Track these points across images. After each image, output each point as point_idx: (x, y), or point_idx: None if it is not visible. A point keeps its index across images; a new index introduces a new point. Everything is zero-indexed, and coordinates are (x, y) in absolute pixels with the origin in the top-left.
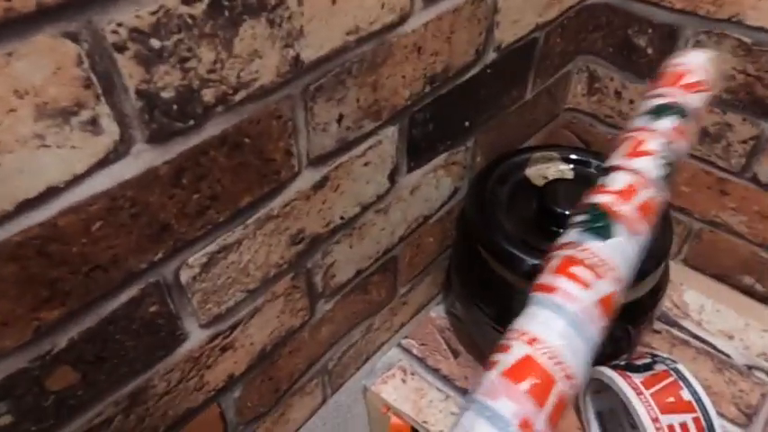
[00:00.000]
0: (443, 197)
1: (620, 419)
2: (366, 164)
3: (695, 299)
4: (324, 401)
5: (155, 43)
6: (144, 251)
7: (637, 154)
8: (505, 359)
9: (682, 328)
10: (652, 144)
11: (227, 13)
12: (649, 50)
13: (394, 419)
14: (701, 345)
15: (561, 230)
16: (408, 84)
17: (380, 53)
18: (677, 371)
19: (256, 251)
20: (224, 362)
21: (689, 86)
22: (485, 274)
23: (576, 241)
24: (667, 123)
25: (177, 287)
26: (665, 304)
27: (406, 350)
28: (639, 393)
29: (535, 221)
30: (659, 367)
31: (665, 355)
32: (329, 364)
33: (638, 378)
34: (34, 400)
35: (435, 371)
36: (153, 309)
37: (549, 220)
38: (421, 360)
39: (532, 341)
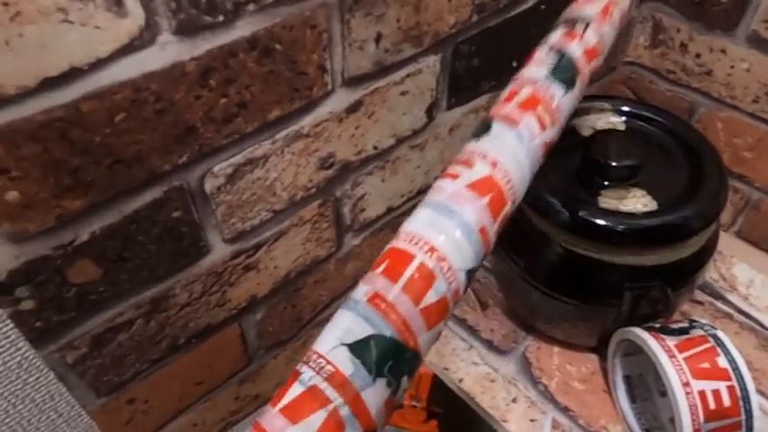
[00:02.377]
0: None
1: (649, 385)
2: (403, 93)
3: (745, 273)
4: None
5: None
6: (168, 151)
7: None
8: (470, 175)
9: (726, 302)
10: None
11: None
12: None
13: None
14: (746, 320)
15: (605, 182)
16: (454, 9)
17: None
18: (716, 337)
19: (284, 169)
20: (247, 281)
21: None
22: (521, 226)
23: (545, 84)
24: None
25: (201, 195)
26: (711, 275)
27: None
28: (672, 356)
29: (579, 173)
30: (696, 332)
31: (703, 321)
32: None
33: (671, 341)
34: (56, 290)
35: (461, 321)
36: (176, 214)
37: (594, 172)
38: None
39: (495, 163)
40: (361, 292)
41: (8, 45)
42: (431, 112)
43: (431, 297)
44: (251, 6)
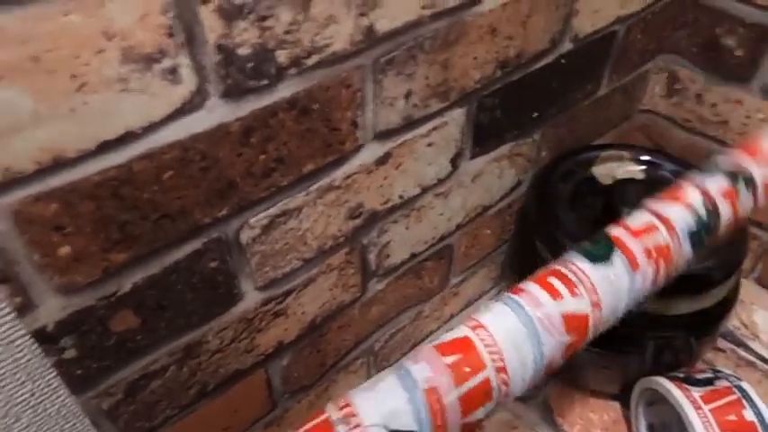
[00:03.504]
0: (505, 188)
1: None
2: (430, 144)
3: (766, 320)
4: None
5: None
6: (210, 206)
7: (671, 200)
8: (444, 336)
9: (748, 349)
10: (691, 196)
11: None
12: (739, 52)
13: None
14: None
15: None
16: (479, 66)
17: (454, 31)
18: (741, 388)
19: (315, 220)
20: (275, 327)
21: (761, 156)
22: None
23: (568, 258)
24: (718, 183)
25: (237, 246)
26: (733, 323)
27: None
28: (698, 408)
29: (599, 221)
30: (721, 383)
31: (728, 371)
32: (376, 345)
33: (697, 392)
34: (98, 339)
35: None
36: (213, 264)
37: (612, 220)
38: None
39: (477, 327)
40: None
41: (73, 112)
42: (455, 161)
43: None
44: (292, 70)
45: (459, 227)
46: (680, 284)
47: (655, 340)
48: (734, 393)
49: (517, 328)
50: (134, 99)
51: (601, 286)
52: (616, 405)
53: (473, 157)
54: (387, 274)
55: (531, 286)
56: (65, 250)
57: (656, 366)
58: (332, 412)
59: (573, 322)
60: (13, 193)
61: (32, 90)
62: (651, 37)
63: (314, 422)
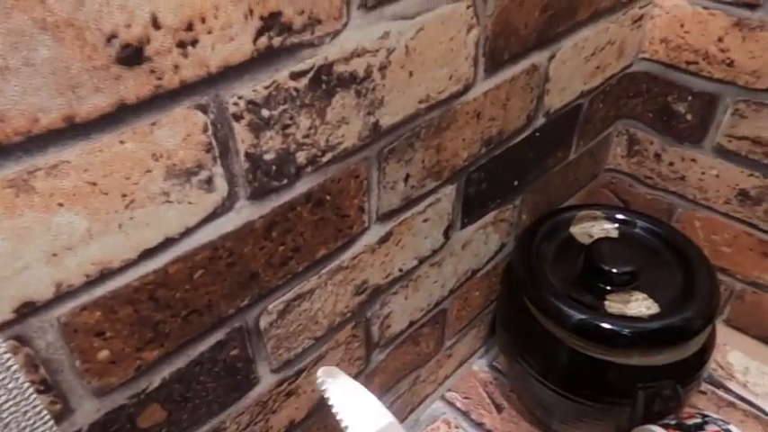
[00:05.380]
0: (491, 252)
1: None
2: (425, 220)
3: (739, 360)
4: None
5: (265, 113)
6: (234, 297)
7: None
8: None
9: (727, 390)
10: None
11: (324, 86)
12: (689, 116)
13: None
14: (748, 407)
15: (608, 287)
16: (467, 146)
17: (445, 119)
18: None
19: (326, 300)
20: (287, 407)
21: None
22: (531, 328)
23: None
24: None
25: (256, 332)
26: (710, 365)
27: (450, 403)
28: None
29: (581, 278)
30: (711, 428)
31: (716, 416)
32: None
33: None
34: None
35: (479, 425)
36: (234, 352)
37: (595, 277)
38: (465, 414)
39: None
40: None
41: (121, 228)
42: (447, 232)
43: None
44: (309, 168)
45: (451, 292)
46: (664, 336)
47: (645, 390)
48: None
49: None
50: (174, 209)
51: None
52: None
53: (463, 227)
54: (388, 344)
55: None
56: (104, 354)
57: (647, 415)
58: None
59: None
60: (63, 306)
61: (88, 212)
62: (611, 106)
63: None
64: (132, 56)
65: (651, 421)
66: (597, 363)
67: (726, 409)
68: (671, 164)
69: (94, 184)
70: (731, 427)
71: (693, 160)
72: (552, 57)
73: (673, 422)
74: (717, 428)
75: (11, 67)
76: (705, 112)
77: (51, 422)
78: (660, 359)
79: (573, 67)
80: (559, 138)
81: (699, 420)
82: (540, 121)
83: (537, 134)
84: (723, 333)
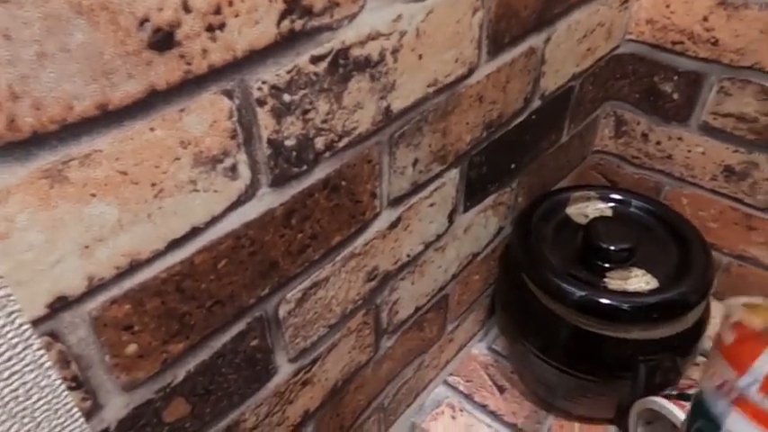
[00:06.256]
0: (490, 235)
1: None
2: (431, 204)
3: None
4: None
5: (286, 98)
6: (255, 287)
7: None
8: None
9: None
10: None
11: (341, 70)
12: (675, 96)
13: None
14: None
15: (606, 265)
16: (470, 130)
17: (451, 102)
18: None
19: (339, 287)
20: (303, 396)
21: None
22: (531, 308)
23: None
24: None
25: (275, 321)
26: None
27: (453, 387)
28: None
29: (580, 257)
30: None
31: None
32: (385, 401)
33: None
34: (152, 431)
35: (483, 407)
36: (254, 343)
37: (594, 256)
38: (468, 396)
39: None
40: None
41: (149, 217)
42: (451, 216)
43: None
44: (327, 154)
45: (453, 276)
46: (663, 310)
47: (645, 363)
48: None
49: None
50: (200, 198)
51: None
52: (612, 429)
53: (465, 210)
54: (395, 330)
55: None
56: (132, 348)
57: (648, 388)
58: None
59: None
60: (95, 300)
61: (118, 202)
62: (599, 88)
63: None
64: (163, 40)
65: (652, 393)
66: (599, 338)
67: None
68: (658, 143)
69: (125, 173)
70: None
71: (680, 139)
72: (548, 39)
73: (674, 393)
74: None
75: (47, 53)
76: (691, 91)
77: (82, 419)
78: (660, 332)
79: (566, 49)
80: (553, 120)
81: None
82: (536, 103)
83: (533, 117)
84: (712, 306)
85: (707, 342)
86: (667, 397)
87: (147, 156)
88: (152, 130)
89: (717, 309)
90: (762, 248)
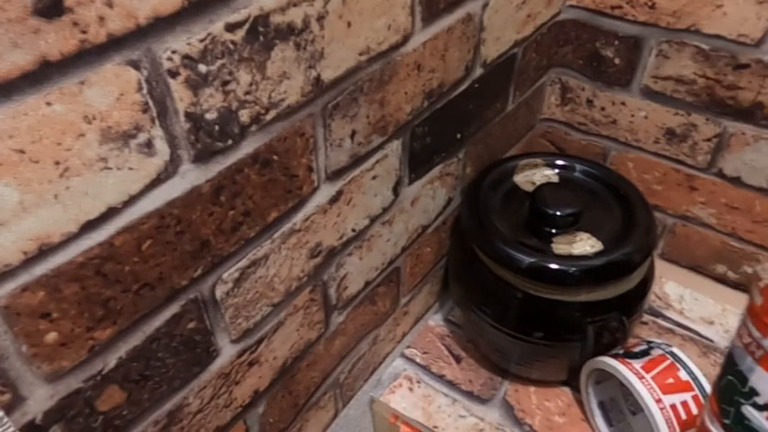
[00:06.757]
0: (439, 207)
1: (621, 407)
2: (374, 177)
3: (674, 290)
4: (336, 415)
5: (202, 68)
6: (186, 268)
7: None
8: None
9: (666, 318)
10: None
11: (261, 38)
12: (617, 60)
13: (403, 428)
14: (685, 332)
15: (553, 230)
16: (410, 99)
17: (387, 71)
18: (673, 354)
19: (281, 265)
20: (251, 377)
21: None
22: (483, 277)
23: None
24: None
25: (213, 303)
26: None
27: (410, 359)
28: (641, 378)
29: (528, 224)
30: (656, 352)
31: (659, 341)
32: (341, 376)
33: (637, 364)
34: (85, 422)
35: (440, 377)
36: (191, 325)
37: (541, 222)
38: (425, 368)
39: None
40: None
41: (57, 198)
42: (396, 189)
43: None
44: (253, 127)
45: (403, 249)
46: (608, 271)
47: (593, 324)
48: (667, 359)
49: None
50: (114, 176)
51: None
52: (566, 390)
53: (410, 182)
54: (346, 306)
55: None
56: (52, 337)
57: (597, 348)
58: None
59: None
60: (2, 288)
61: (18, 182)
62: (543, 54)
63: None
64: (51, 6)
65: (601, 353)
66: (548, 303)
67: (665, 335)
68: (602, 109)
69: (22, 151)
70: (674, 349)
71: (623, 103)
72: (486, 5)
73: (621, 352)
74: (661, 351)
75: None
76: (631, 56)
77: (1, 413)
78: (606, 293)
79: (506, 15)
80: (497, 89)
81: (645, 347)
82: (478, 71)
83: (476, 85)
84: (658, 266)
85: (652, 300)
86: (615, 356)
87: (45, 132)
88: (48, 104)
89: (661, 268)
90: (703, 208)
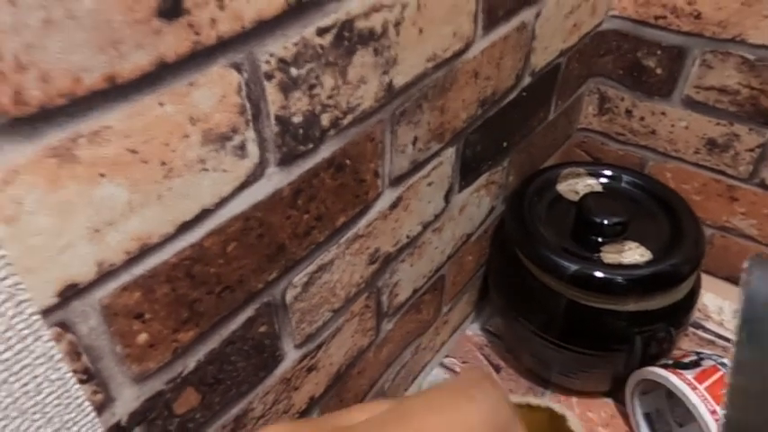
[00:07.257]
0: (483, 215)
1: (667, 418)
2: (429, 184)
3: (713, 301)
4: None
5: (293, 72)
6: (263, 271)
7: None
8: None
9: (706, 330)
10: None
11: (345, 43)
12: (658, 70)
13: None
14: (726, 343)
15: (600, 239)
16: (466, 107)
17: (449, 78)
18: (725, 365)
19: (344, 270)
20: (308, 383)
21: None
22: (527, 285)
23: None
24: None
25: (283, 307)
26: None
27: (450, 369)
28: (694, 388)
29: (574, 232)
30: (707, 363)
31: (709, 352)
32: (385, 385)
33: (689, 374)
34: (162, 424)
35: None
36: (262, 329)
37: (588, 231)
38: None
39: None
40: None
41: (159, 199)
42: (448, 196)
43: None
44: (332, 131)
45: (449, 257)
46: (657, 282)
47: (641, 335)
48: (720, 370)
49: None
50: (209, 178)
51: None
52: (609, 401)
53: (460, 190)
54: (395, 313)
55: None
56: (143, 337)
57: (644, 358)
58: None
59: None
60: (105, 287)
61: (129, 182)
62: (584, 64)
63: None
64: (172, 7)
65: (647, 364)
66: (595, 312)
67: (708, 347)
68: (641, 119)
69: (135, 151)
70: (725, 360)
71: (663, 114)
72: (538, 14)
73: (670, 362)
74: (713, 362)
75: (53, 20)
76: (674, 65)
77: (93, 414)
78: (654, 304)
79: (555, 24)
80: (542, 98)
81: (695, 357)
82: (527, 80)
83: (524, 94)
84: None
85: (696, 314)
86: (665, 366)
87: (156, 133)
88: (161, 105)
89: (704, 281)
90: (744, 218)
